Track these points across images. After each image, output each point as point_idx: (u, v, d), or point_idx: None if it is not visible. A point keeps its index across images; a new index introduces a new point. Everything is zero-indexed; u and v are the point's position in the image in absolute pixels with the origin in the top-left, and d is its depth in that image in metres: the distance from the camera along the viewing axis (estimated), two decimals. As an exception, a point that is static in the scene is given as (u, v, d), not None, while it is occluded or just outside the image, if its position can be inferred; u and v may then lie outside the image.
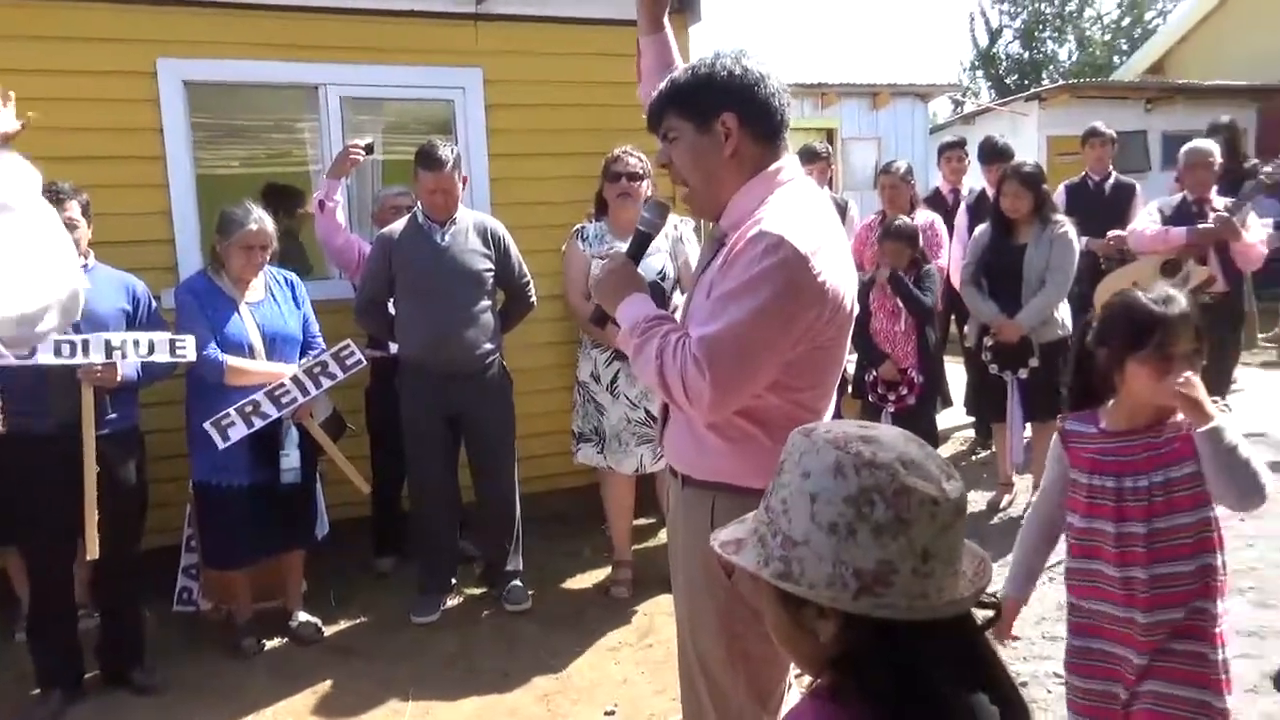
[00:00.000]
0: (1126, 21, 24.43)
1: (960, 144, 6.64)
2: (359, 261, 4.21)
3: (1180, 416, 2.05)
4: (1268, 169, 5.00)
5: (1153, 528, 2.05)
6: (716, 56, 1.88)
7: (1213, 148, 5.13)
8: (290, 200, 5.25)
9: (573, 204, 4.60)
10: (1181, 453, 2.04)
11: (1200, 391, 1.97)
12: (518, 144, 4.83)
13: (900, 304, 4.70)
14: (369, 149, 4.27)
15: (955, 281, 5.32)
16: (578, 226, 4.21)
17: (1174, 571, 2.04)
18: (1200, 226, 4.85)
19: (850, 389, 4.96)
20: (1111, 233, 5.21)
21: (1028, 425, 4.88)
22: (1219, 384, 5.31)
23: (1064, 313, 4.71)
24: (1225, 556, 2.10)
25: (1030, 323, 4.58)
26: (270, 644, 3.79)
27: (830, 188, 6.19)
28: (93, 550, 3.16)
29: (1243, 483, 1.96)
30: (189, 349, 3.29)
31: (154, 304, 3.47)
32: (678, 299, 3.97)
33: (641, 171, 3.99)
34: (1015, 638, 2.91)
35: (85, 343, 3.09)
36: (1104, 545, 2.11)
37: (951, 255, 5.67)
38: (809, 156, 5.73)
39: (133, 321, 3.34)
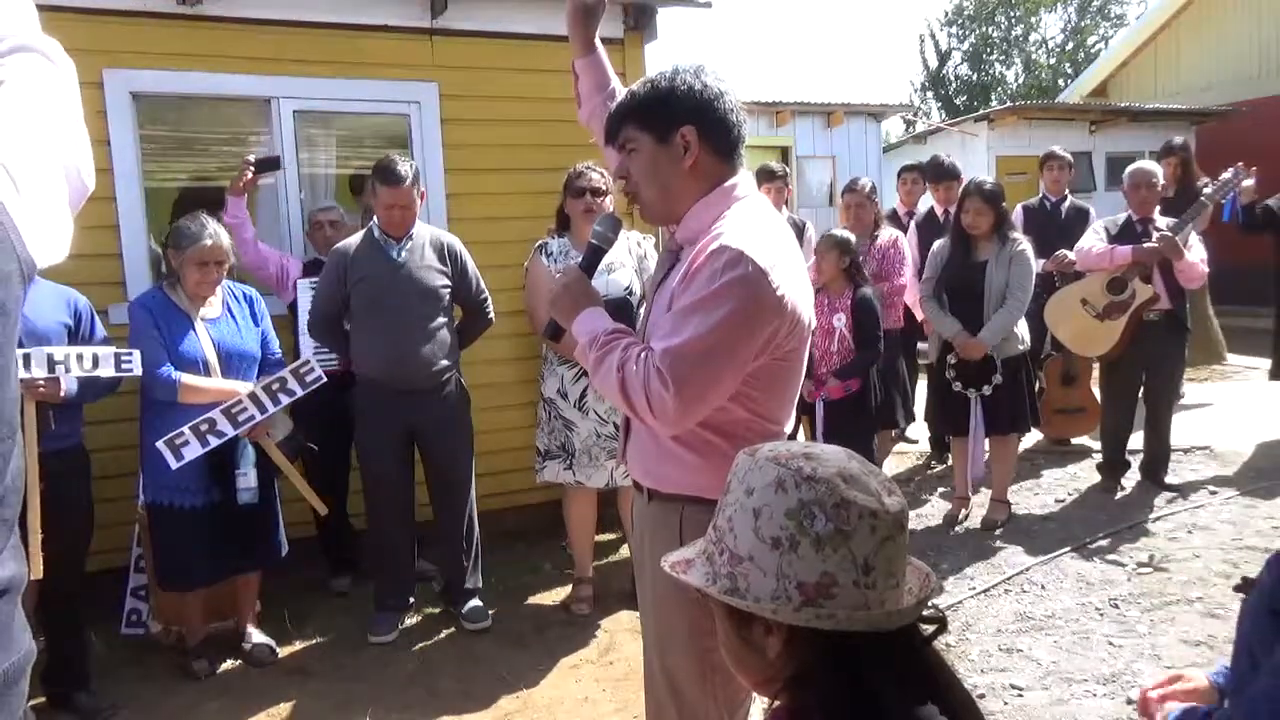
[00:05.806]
0: (1070, 46, 25.15)
1: (918, 167, 6.63)
2: (278, 276, 4.27)
3: None
4: (1209, 190, 5.14)
5: None
6: (676, 71, 1.89)
7: (1156, 169, 5.26)
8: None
9: (530, 219, 4.59)
10: None
11: None
12: (474, 159, 4.81)
13: (834, 322, 4.58)
14: (267, 163, 4.25)
15: (911, 299, 5.39)
16: (540, 242, 4.18)
17: None
18: (1145, 245, 4.96)
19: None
20: (1058, 252, 5.29)
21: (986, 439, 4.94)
22: (1166, 397, 5.43)
23: (1023, 329, 4.80)
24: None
25: (993, 340, 4.65)
26: (223, 666, 3.70)
27: (787, 207, 6.21)
28: (36, 571, 3.06)
29: None
30: (135, 363, 3.21)
31: (96, 319, 3.38)
32: None
33: (605, 187, 3.99)
34: None
35: (27, 356, 3.00)
36: None
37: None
38: (767, 175, 5.73)
39: (74, 336, 3.25)
